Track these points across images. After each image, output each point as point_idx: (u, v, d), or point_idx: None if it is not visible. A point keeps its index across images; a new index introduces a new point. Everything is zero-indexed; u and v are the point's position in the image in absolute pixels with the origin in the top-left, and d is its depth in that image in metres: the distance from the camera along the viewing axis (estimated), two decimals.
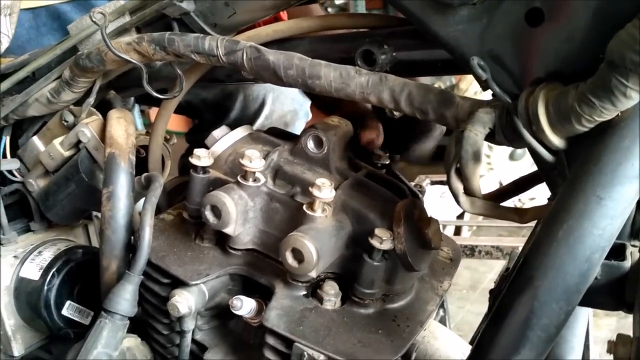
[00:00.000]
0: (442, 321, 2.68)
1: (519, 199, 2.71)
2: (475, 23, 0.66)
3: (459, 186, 0.69)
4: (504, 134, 0.65)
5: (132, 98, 1.34)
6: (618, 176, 0.57)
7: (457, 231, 3.02)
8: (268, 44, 0.84)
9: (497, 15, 0.65)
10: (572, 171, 0.61)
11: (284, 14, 1.03)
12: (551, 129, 0.61)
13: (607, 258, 0.66)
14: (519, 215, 0.70)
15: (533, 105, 0.61)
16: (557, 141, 0.61)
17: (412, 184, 1.01)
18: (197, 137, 1.56)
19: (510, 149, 3.48)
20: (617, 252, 0.69)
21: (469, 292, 3.10)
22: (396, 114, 0.92)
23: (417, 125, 1.07)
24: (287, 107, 1.58)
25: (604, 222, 0.57)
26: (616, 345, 0.59)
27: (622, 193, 0.57)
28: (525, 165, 3.42)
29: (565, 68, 0.63)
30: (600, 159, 0.58)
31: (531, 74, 0.65)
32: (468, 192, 0.70)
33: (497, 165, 3.53)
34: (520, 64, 0.66)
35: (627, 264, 0.68)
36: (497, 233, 3.20)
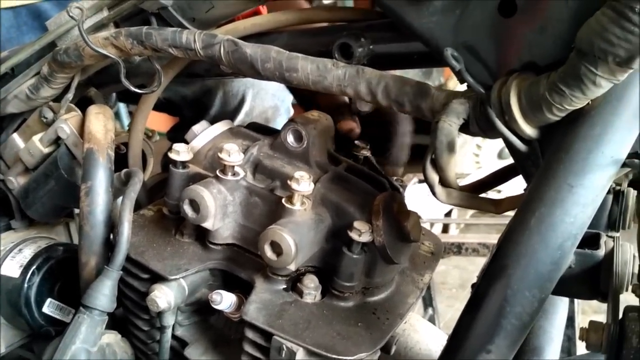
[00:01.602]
0: (432, 320, 2.69)
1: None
2: (449, 14, 0.66)
3: (434, 177, 0.69)
4: (478, 124, 0.66)
5: (114, 96, 1.34)
6: (589, 164, 0.57)
7: (445, 229, 3.03)
8: (246, 38, 0.84)
9: (471, 7, 0.65)
10: (544, 160, 0.62)
11: (263, 8, 1.03)
12: (523, 119, 0.61)
13: (581, 247, 0.67)
14: (495, 205, 0.71)
15: (505, 95, 0.61)
16: (529, 130, 0.62)
17: (394, 178, 1.01)
18: (178, 135, 1.55)
19: (499, 148, 3.49)
20: (591, 241, 0.70)
21: (459, 291, 3.11)
22: (365, 109, 0.91)
23: (389, 126, 1.07)
24: (268, 103, 1.57)
25: (576, 210, 0.58)
26: (588, 332, 0.60)
27: (593, 181, 0.58)
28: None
29: (539, 58, 0.63)
30: (572, 147, 0.58)
31: (505, 64, 0.65)
32: (444, 182, 0.70)
33: (486, 164, 3.54)
34: (494, 55, 0.66)
35: (601, 253, 0.69)
36: (486, 231, 3.20)
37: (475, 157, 3.61)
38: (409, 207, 0.87)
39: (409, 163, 1.16)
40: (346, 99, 1.09)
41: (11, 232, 1.15)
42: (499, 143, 3.56)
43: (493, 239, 2.44)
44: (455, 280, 3.29)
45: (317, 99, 1.05)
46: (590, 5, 0.57)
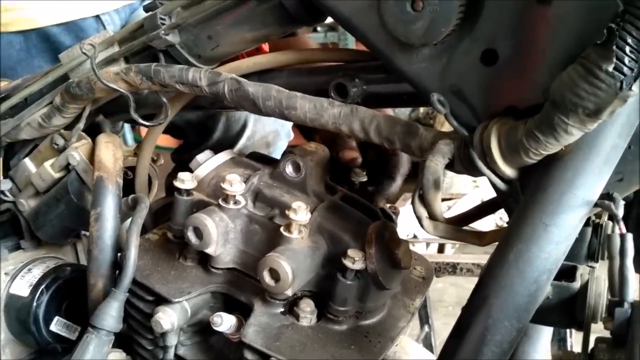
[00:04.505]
0: (428, 337, 2.69)
1: (501, 217, 2.76)
2: (436, 61, 0.71)
3: (422, 211, 0.74)
4: (462, 164, 0.71)
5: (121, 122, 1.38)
6: (562, 205, 0.62)
7: (441, 249, 3.06)
8: (249, 75, 0.90)
9: (456, 55, 0.70)
10: (522, 199, 0.67)
11: (265, 46, 1.08)
12: (503, 161, 0.66)
13: (558, 279, 0.72)
14: (479, 238, 0.75)
15: (487, 139, 0.66)
16: (509, 171, 0.67)
17: (387, 205, 1.06)
18: (182, 157, 1.60)
19: None
20: (568, 273, 0.75)
21: (455, 309, 3.13)
22: None
23: (387, 161, 1.12)
24: (269, 127, 1.62)
25: (550, 247, 0.62)
26: None
27: (566, 220, 0.62)
28: None
29: (518, 103, 0.68)
30: (546, 189, 0.63)
31: (488, 108, 0.70)
32: (431, 216, 0.75)
33: (483, 184, 3.58)
34: (478, 100, 0.71)
35: (577, 284, 0.74)
36: (481, 251, 3.24)
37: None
38: (404, 228, 0.91)
39: (408, 182, 1.20)
40: None
41: (20, 252, 1.20)
42: None
43: (487, 259, 2.48)
44: (451, 298, 3.31)
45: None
46: (565, 58, 0.62)
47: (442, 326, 2.84)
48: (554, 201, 0.62)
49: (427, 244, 2.79)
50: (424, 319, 2.56)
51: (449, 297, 3.27)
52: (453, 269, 2.29)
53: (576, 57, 0.60)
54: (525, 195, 0.67)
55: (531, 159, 0.64)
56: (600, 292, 0.72)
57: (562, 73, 0.60)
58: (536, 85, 0.66)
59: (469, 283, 3.21)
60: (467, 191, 3.47)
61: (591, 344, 0.67)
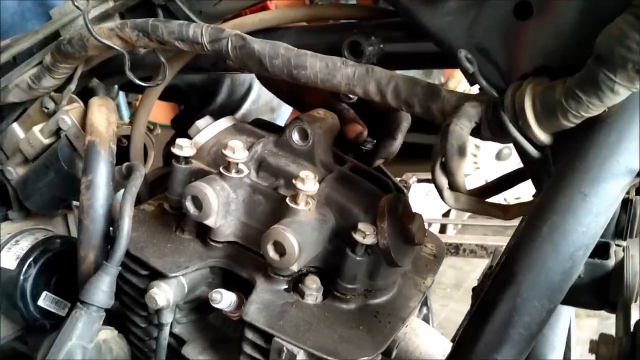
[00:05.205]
0: (426, 319, 2.67)
1: (504, 198, 2.72)
2: (464, 15, 0.66)
3: (443, 181, 0.68)
4: (490, 128, 0.65)
5: (116, 87, 1.32)
6: (603, 173, 0.56)
7: (443, 229, 3.02)
8: (254, 33, 0.83)
9: (486, 8, 0.64)
10: (557, 167, 0.61)
11: (271, 4, 1.01)
12: (537, 124, 0.60)
13: (591, 256, 0.66)
14: (503, 211, 0.69)
15: (520, 100, 0.60)
16: (543, 136, 0.61)
17: (398, 179, 1.00)
18: (183, 124, 1.54)
19: (497, 149, 3.49)
20: (601, 250, 0.69)
21: (453, 291, 3.11)
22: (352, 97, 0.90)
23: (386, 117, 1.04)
24: None
25: (588, 219, 0.56)
26: (598, 345, 0.59)
27: (607, 190, 0.57)
28: (512, 165, 3.41)
29: (553, 63, 0.63)
30: (586, 155, 0.57)
31: (519, 68, 0.65)
32: (452, 187, 0.69)
33: (484, 165, 3.54)
34: (508, 58, 0.65)
35: (611, 262, 0.68)
36: (483, 232, 3.20)
37: (473, 157, 3.61)
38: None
39: (409, 162, 1.13)
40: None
41: (8, 223, 1.14)
42: (497, 144, 3.56)
43: (490, 240, 2.44)
44: (450, 280, 3.29)
45: (303, 97, 1.03)
46: (607, 12, 0.56)
47: (440, 308, 2.82)
48: (595, 167, 0.56)
49: (429, 224, 2.75)
50: (422, 301, 2.53)
51: (447, 279, 3.25)
52: (456, 249, 2.25)
53: (624, 8, 0.53)
54: (559, 162, 0.60)
55: (569, 122, 0.58)
56: (637, 271, 0.66)
57: (609, 25, 0.53)
58: (573, 43, 0.60)
59: (468, 265, 3.19)
60: (468, 172, 3.42)
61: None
